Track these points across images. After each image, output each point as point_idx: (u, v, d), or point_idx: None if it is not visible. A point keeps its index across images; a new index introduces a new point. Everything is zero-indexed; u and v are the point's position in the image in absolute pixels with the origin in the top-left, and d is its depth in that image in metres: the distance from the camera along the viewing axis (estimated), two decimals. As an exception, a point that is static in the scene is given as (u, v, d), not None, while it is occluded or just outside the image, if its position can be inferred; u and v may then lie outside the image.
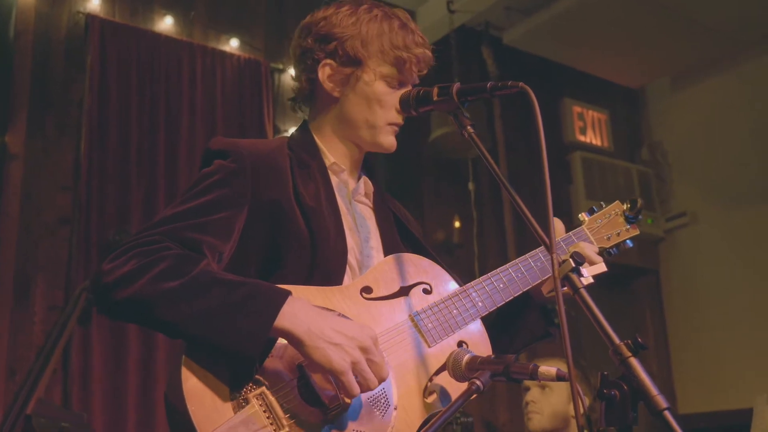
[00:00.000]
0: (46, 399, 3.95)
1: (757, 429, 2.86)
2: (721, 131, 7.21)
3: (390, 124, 2.12)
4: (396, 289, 1.99)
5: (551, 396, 3.85)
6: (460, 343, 1.99)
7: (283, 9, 6.15)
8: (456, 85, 1.91)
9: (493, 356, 1.79)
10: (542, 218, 1.64)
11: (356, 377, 1.74)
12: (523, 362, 1.74)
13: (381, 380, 1.78)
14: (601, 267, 1.95)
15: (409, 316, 1.97)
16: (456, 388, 1.88)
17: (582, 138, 7.30)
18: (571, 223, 2.33)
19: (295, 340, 1.73)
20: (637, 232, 2.35)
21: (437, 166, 6.59)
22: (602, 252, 2.27)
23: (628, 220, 2.34)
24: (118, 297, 1.74)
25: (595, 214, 2.35)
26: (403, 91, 2.10)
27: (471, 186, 6.50)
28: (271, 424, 1.70)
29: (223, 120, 5.55)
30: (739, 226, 6.97)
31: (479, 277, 2.09)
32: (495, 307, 2.06)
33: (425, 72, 2.17)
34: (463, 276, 2.14)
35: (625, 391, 1.43)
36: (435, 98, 1.96)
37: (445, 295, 2.03)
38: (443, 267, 2.11)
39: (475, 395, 1.70)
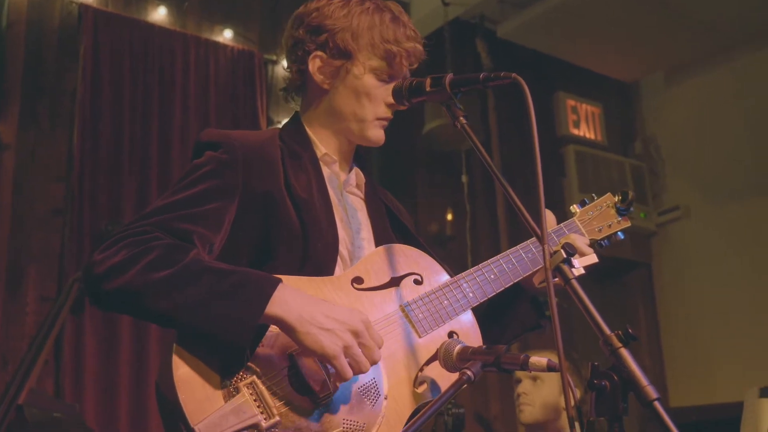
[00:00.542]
0: (38, 389, 3.94)
1: (747, 422, 2.88)
2: (715, 126, 7.21)
3: (379, 118, 2.12)
4: (387, 279, 1.99)
5: (542, 388, 3.86)
6: (450, 334, 1.99)
7: (278, 0, 6.13)
8: (449, 76, 1.91)
9: (484, 347, 1.79)
10: (535, 210, 1.64)
11: (348, 361, 1.75)
12: (515, 353, 1.74)
13: (373, 363, 1.79)
14: (593, 258, 1.95)
15: (400, 306, 1.97)
16: (446, 379, 1.89)
17: (575, 131, 7.29)
18: (564, 217, 2.33)
19: (286, 327, 1.74)
20: (628, 224, 2.35)
21: (430, 159, 6.58)
22: (593, 244, 2.27)
23: (620, 212, 2.33)
24: (108, 287, 1.74)
25: (587, 206, 2.35)
26: (392, 85, 2.09)
27: (464, 178, 6.49)
28: (262, 412, 1.71)
29: (216, 111, 5.54)
30: (732, 221, 6.98)
31: (471, 268, 2.09)
32: (486, 298, 2.07)
33: (416, 66, 2.17)
34: (456, 268, 2.14)
35: (616, 382, 1.43)
36: (428, 89, 1.95)
37: (436, 286, 2.03)
38: (434, 258, 2.11)
39: (466, 385, 1.70)
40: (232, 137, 2.01)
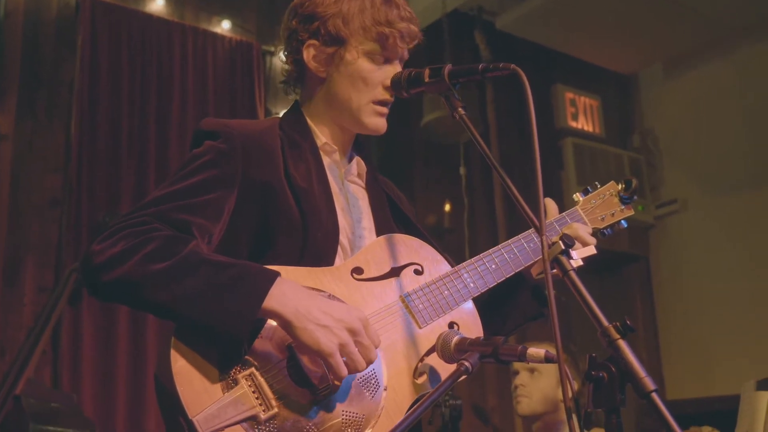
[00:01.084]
0: (35, 380, 3.94)
1: (744, 415, 2.88)
2: (713, 118, 7.20)
3: (377, 102, 2.10)
4: (387, 269, 1.98)
5: (540, 380, 3.86)
6: (451, 324, 1.98)
7: (276, -9, 6.12)
8: (448, 67, 1.90)
9: (482, 338, 1.79)
10: (534, 201, 1.63)
11: (344, 359, 1.74)
12: (512, 344, 1.74)
13: (369, 362, 1.78)
14: (591, 250, 1.95)
15: (400, 296, 1.97)
16: (446, 370, 1.88)
17: (573, 124, 7.29)
18: (562, 209, 2.32)
19: (283, 322, 1.73)
20: (631, 212, 2.34)
21: (429, 150, 6.58)
22: (596, 233, 2.26)
23: (623, 200, 2.32)
24: (106, 278, 1.73)
25: (590, 195, 2.34)
26: (389, 67, 2.08)
27: (462, 170, 6.49)
28: (260, 404, 1.70)
29: (214, 102, 5.53)
30: (730, 214, 6.98)
31: (470, 259, 2.09)
32: (487, 288, 2.06)
33: (412, 46, 2.14)
34: (454, 261, 2.13)
35: (613, 373, 1.43)
36: (426, 79, 1.94)
37: (436, 276, 2.02)
38: (436, 248, 2.10)
39: (464, 376, 1.70)
40: (230, 126, 2.00)
